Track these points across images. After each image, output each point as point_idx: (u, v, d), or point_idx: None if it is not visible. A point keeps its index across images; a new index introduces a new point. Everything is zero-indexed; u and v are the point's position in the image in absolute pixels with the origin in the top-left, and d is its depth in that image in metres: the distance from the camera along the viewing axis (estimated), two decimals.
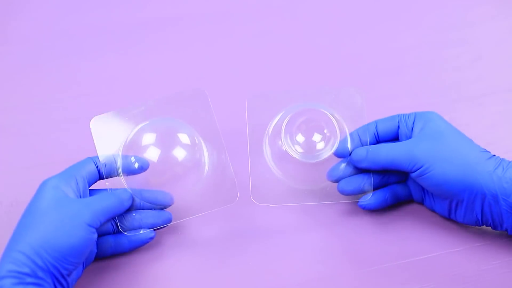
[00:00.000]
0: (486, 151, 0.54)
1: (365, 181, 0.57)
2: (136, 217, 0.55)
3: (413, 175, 0.54)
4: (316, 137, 0.57)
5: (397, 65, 0.75)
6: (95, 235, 0.50)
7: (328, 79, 0.73)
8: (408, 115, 0.58)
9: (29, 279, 0.45)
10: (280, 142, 0.57)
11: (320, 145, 0.57)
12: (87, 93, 0.72)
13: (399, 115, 0.58)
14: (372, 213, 0.59)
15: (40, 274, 0.46)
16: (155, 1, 0.84)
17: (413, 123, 0.57)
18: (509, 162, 0.53)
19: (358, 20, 0.81)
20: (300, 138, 0.57)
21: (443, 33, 0.78)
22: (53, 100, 0.71)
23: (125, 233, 0.54)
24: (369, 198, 0.57)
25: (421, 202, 0.59)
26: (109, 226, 0.55)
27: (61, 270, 0.47)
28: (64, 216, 0.48)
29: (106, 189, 0.55)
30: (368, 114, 0.68)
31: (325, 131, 0.57)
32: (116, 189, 0.55)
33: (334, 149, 0.57)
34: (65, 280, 0.48)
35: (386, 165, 0.55)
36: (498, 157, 0.54)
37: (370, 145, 0.57)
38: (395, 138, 0.59)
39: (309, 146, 0.57)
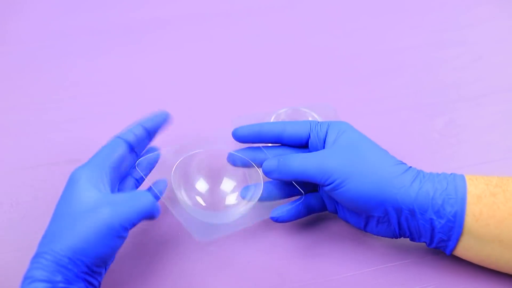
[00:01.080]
0: (402, 163, 0.52)
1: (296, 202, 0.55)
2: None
3: (325, 188, 0.51)
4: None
5: (397, 65, 0.75)
6: (126, 237, 0.49)
7: (327, 79, 0.73)
8: (321, 124, 0.55)
9: (61, 285, 0.45)
10: None
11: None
12: (86, 93, 0.72)
13: (310, 122, 0.55)
14: None
15: (72, 281, 0.46)
16: (152, 1, 0.84)
17: (326, 134, 0.54)
18: (426, 174, 0.51)
19: (358, 21, 0.81)
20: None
21: (443, 33, 0.79)
22: (52, 100, 0.71)
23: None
24: (281, 211, 0.54)
25: (335, 213, 0.57)
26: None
27: (93, 275, 0.47)
28: (97, 226, 0.47)
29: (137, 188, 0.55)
30: (368, 114, 0.68)
31: (310, 118, 0.60)
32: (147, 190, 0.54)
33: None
34: (96, 283, 0.48)
35: (298, 177, 0.53)
36: (415, 169, 0.51)
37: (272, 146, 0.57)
38: (304, 144, 0.56)
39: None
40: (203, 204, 0.56)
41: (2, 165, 0.64)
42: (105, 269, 0.50)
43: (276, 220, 0.54)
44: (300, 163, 0.52)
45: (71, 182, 0.49)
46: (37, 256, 0.46)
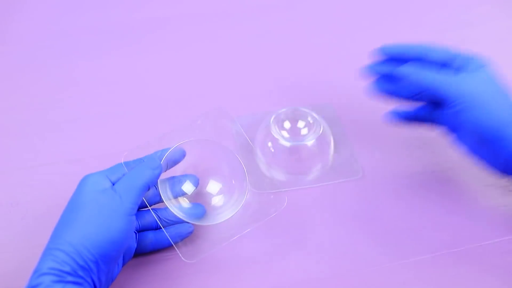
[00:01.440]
0: None
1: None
2: (174, 211, 0.54)
3: (452, 109, 0.54)
4: (301, 123, 0.62)
5: None
6: (134, 221, 0.50)
7: (328, 79, 0.73)
8: (466, 56, 0.56)
9: (69, 278, 0.45)
10: (271, 131, 0.61)
11: (304, 131, 0.62)
12: (86, 93, 0.72)
13: (453, 51, 0.57)
14: (370, 214, 0.59)
15: (81, 273, 0.46)
16: (152, 1, 0.84)
17: (468, 64, 0.56)
18: None
19: (358, 20, 0.81)
20: (286, 124, 0.62)
21: (443, 33, 0.78)
22: (52, 100, 0.71)
23: (164, 229, 0.54)
24: (399, 112, 0.58)
25: (452, 131, 0.57)
26: (151, 222, 0.55)
27: (102, 266, 0.47)
28: (101, 211, 0.48)
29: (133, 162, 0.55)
30: (368, 114, 0.68)
31: (309, 118, 0.62)
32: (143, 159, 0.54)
33: (316, 135, 0.60)
34: (105, 275, 0.48)
35: (429, 89, 0.54)
36: None
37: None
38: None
39: (294, 131, 0.62)
40: (188, 205, 0.56)
41: (2, 165, 0.64)
42: (121, 264, 0.51)
43: (391, 118, 0.58)
44: (437, 77, 0.54)
45: (78, 185, 0.51)
46: (46, 249, 0.47)
